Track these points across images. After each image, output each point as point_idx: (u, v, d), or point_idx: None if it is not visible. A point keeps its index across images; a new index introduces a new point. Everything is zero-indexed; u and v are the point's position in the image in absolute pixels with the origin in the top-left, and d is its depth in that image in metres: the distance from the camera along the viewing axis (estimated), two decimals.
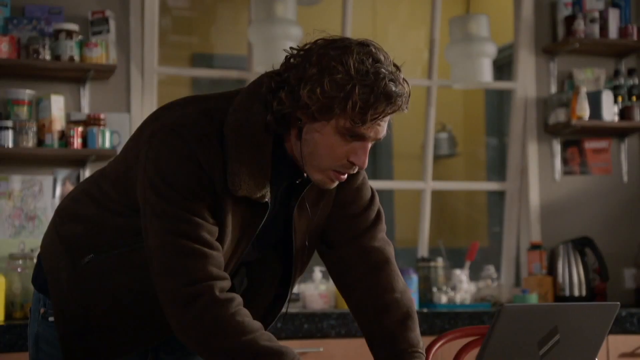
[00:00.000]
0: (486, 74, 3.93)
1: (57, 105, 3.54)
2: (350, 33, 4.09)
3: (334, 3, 4.37)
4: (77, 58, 3.56)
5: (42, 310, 1.74)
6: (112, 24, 3.70)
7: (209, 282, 1.52)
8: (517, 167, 4.34)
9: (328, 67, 1.51)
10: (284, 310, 1.79)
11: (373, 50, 1.54)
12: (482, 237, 5.34)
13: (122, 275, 1.66)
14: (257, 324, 1.54)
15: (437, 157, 4.94)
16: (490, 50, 3.91)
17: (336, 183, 1.62)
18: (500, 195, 4.64)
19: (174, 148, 1.55)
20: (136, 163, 1.60)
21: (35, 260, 3.37)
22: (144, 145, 1.59)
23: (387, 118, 1.56)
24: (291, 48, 1.59)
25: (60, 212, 1.76)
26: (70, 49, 3.53)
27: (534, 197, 4.27)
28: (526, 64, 4.31)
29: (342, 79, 1.50)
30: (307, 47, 1.56)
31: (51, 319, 1.71)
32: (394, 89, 1.52)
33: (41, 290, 1.75)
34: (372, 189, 1.81)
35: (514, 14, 4.39)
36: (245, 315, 1.54)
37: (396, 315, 1.70)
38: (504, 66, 4.96)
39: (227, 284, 1.56)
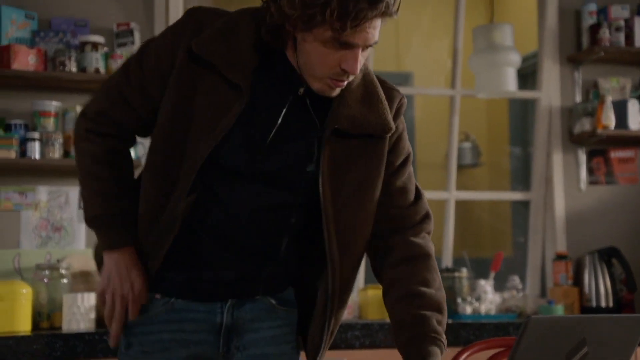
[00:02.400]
0: (511, 84, 3.91)
1: None
2: None
3: None
4: (102, 70, 3.59)
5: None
6: (136, 36, 3.74)
7: (104, 118, 1.72)
8: (542, 177, 4.31)
9: None
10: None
11: None
12: (506, 247, 5.31)
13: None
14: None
15: (460, 167, 4.93)
16: (514, 59, 3.89)
17: (337, 90, 1.64)
18: (524, 205, 4.61)
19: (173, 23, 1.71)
20: None
21: (62, 271, 3.41)
22: None
23: (375, 24, 1.55)
24: None
25: None
26: (95, 60, 3.57)
27: (559, 206, 4.24)
28: (551, 73, 4.29)
29: None
30: None
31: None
32: None
33: None
34: (418, 190, 1.80)
35: (538, 23, 4.38)
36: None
37: (426, 306, 1.68)
38: (528, 75, 4.94)
39: (114, 133, 1.73)
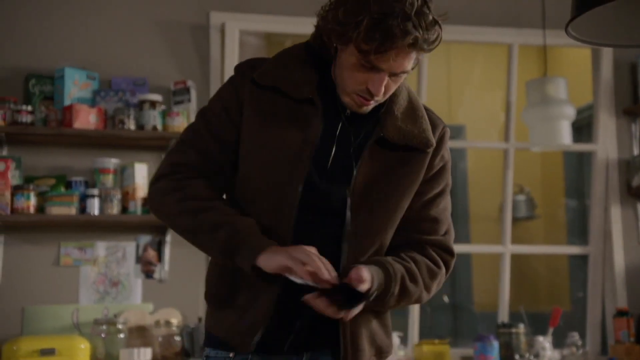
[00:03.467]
0: (566, 137, 3.87)
1: (141, 173, 3.65)
2: (426, 94, 4.11)
3: None
4: (159, 127, 3.67)
5: None
6: (193, 93, 3.82)
7: (179, 167, 1.72)
8: (600, 231, 4.23)
9: None
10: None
11: None
12: (564, 302, 5.20)
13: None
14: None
15: (515, 220, 4.87)
16: (569, 112, 3.86)
17: (363, 108, 1.70)
18: (582, 259, 4.52)
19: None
20: None
21: (119, 326, 3.44)
22: None
23: (403, 54, 1.60)
24: None
25: None
26: (153, 118, 3.65)
27: (619, 261, 4.15)
28: (607, 125, 4.25)
29: (356, 9, 1.57)
30: None
31: None
32: (400, 27, 1.55)
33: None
34: (450, 228, 1.81)
35: (592, 76, 4.35)
36: (202, 192, 1.69)
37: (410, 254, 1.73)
38: (583, 127, 4.89)
39: (197, 175, 1.71)
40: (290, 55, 1.76)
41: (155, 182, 1.75)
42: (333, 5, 1.63)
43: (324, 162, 1.69)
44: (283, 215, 1.65)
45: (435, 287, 1.77)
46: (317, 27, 1.69)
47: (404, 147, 1.72)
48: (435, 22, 1.60)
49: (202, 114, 1.78)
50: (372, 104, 1.70)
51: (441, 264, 1.77)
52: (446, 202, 1.81)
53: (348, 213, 1.67)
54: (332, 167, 1.69)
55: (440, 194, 1.79)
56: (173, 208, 1.70)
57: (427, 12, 1.59)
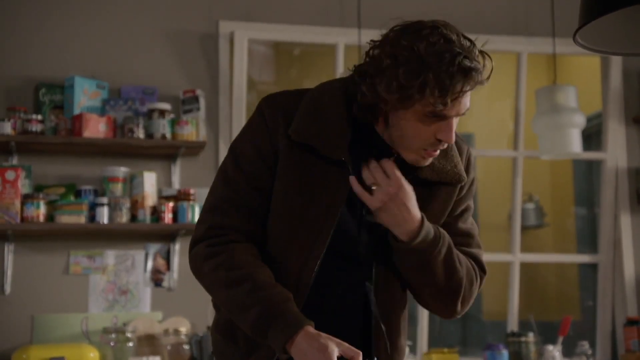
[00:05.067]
0: (575, 145, 3.86)
1: (150, 181, 3.66)
2: None
3: None
4: (168, 136, 3.68)
5: None
6: (202, 102, 3.83)
7: (220, 230, 1.63)
8: (610, 239, 4.22)
9: (401, 57, 1.53)
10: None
11: (444, 30, 1.55)
12: (574, 310, 5.18)
13: None
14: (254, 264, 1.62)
15: (524, 228, 4.85)
16: (579, 120, 3.86)
17: (429, 160, 1.66)
18: (592, 267, 4.51)
19: (252, 117, 1.70)
20: None
21: (128, 334, 3.45)
22: None
23: (469, 93, 1.58)
24: (371, 40, 1.63)
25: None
26: (162, 127, 3.66)
27: (629, 269, 4.13)
28: (616, 133, 4.24)
29: (416, 67, 1.52)
30: (383, 36, 1.60)
31: None
32: (468, 64, 1.53)
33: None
34: (479, 242, 1.79)
35: (601, 84, 4.34)
36: (247, 260, 1.61)
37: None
38: (592, 135, 4.88)
39: (243, 239, 1.63)
40: (327, 106, 1.65)
41: (192, 247, 1.67)
42: (384, 73, 1.55)
43: (354, 210, 1.67)
44: (307, 266, 1.63)
45: (474, 292, 1.74)
46: (360, 92, 1.60)
47: (436, 182, 1.71)
48: (481, 52, 1.59)
49: (235, 163, 1.68)
50: (437, 153, 1.65)
51: (477, 275, 1.75)
52: (472, 218, 1.81)
53: (375, 267, 1.67)
54: (362, 214, 1.67)
55: (467, 209, 1.79)
56: (207, 278, 1.64)
57: (470, 44, 1.58)
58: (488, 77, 1.59)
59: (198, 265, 1.65)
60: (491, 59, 1.60)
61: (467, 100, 1.59)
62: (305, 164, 1.65)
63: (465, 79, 1.53)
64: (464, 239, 1.76)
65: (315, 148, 1.63)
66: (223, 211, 1.65)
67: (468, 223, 1.79)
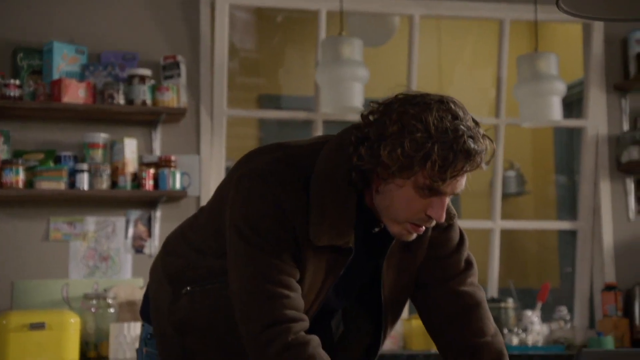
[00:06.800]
0: (556, 113, 3.87)
1: (130, 148, 3.64)
2: (416, 73, 4.10)
3: (400, 44, 4.40)
4: (149, 102, 3.65)
5: (145, 350, 1.77)
6: (182, 68, 3.79)
7: (284, 325, 1.54)
8: (589, 206, 4.25)
9: (408, 126, 1.51)
10: None
11: (452, 107, 1.54)
12: (553, 277, 5.23)
13: (217, 308, 1.66)
14: None
15: (505, 196, 4.88)
16: (560, 88, 3.86)
17: (414, 235, 1.62)
18: (571, 234, 4.54)
19: (260, 193, 1.58)
20: (225, 205, 1.64)
21: (109, 300, 3.45)
22: (232, 187, 1.63)
23: (467, 174, 1.56)
24: (371, 102, 1.60)
25: (165, 245, 1.80)
26: (143, 93, 3.63)
27: (608, 236, 4.17)
28: (597, 101, 4.25)
29: (421, 137, 1.50)
30: (386, 102, 1.57)
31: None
32: (472, 146, 1.52)
33: (146, 319, 1.78)
34: (461, 233, 1.79)
35: (583, 51, 4.34)
36: (323, 356, 1.54)
37: (486, 357, 1.67)
38: (573, 103, 4.89)
39: (303, 325, 1.56)
40: (342, 200, 1.59)
41: (264, 345, 1.55)
42: (388, 139, 1.52)
43: (350, 285, 1.71)
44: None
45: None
46: (358, 155, 1.56)
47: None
48: (484, 135, 1.57)
49: (258, 245, 1.58)
50: (423, 230, 1.62)
51: (477, 292, 1.76)
52: (455, 233, 1.79)
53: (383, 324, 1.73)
54: (354, 288, 1.72)
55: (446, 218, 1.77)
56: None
57: (475, 124, 1.56)
58: (488, 162, 1.57)
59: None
60: (492, 142, 1.58)
61: (464, 180, 1.57)
62: (320, 253, 1.62)
63: (467, 160, 1.52)
64: (444, 247, 1.75)
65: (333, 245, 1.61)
66: (271, 302, 1.56)
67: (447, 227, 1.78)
